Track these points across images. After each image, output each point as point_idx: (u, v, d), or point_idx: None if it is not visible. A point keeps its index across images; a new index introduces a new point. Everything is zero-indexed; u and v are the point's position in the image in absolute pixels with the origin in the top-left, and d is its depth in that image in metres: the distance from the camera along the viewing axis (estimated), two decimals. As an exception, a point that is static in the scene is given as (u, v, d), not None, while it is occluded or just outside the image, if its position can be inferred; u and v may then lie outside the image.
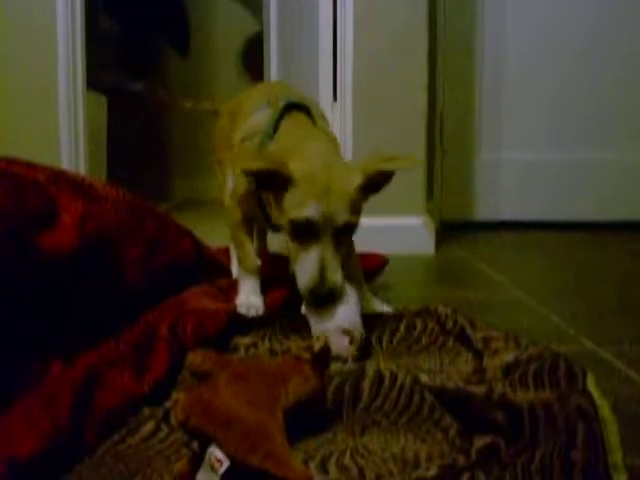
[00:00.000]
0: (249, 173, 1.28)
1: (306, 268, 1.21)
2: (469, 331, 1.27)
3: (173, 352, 1.09)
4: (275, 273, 1.56)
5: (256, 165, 1.23)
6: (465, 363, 1.17)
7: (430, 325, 1.33)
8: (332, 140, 1.46)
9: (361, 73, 2.43)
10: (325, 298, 1.21)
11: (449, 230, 2.85)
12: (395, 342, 1.28)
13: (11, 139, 2.51)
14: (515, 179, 3.09)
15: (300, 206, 1.20)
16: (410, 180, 2.42)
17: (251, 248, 1.52)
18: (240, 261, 1.52)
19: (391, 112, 2.44)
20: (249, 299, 1.45)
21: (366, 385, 0.98)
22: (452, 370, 1.13)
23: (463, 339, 1.26)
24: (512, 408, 0.87)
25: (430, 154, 2.69)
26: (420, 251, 2.41)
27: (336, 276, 1.21)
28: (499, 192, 3.09)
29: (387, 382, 0.98)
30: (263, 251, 1.90)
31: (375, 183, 1.30)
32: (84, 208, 1.10)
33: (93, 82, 2.79)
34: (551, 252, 2.61)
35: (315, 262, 1.20)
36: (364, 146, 2.41)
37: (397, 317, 1.39)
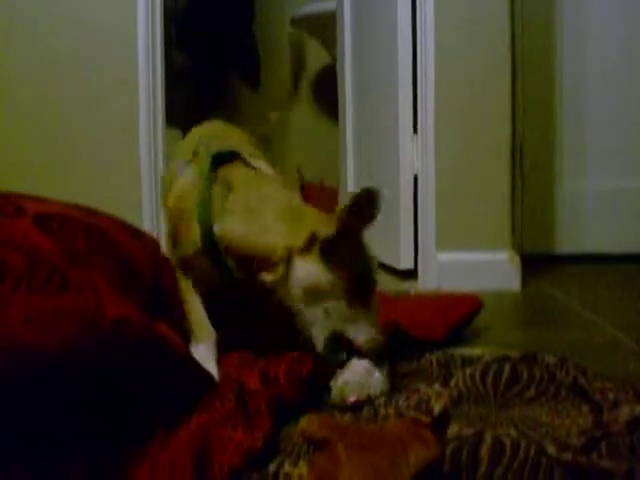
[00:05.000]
0: None
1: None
2: (582, 381, 1.19)
3: (271, 403, 1.05)
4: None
5: None
6: (582, 416, 1.08)
7: (537, 373, 1.25)
8: (284, 182, 1.42)
9: (442, 105, 2.37)
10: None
11: (531, 263, 2.73)
12: (502, 387, 1.21)
13: (93, 173, 2.57)
14: (600, 209, 2.95)
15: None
16: (495, 213, 2.34)
17: (204, 313, 1.34)
18: (192, 329, 1.31)
19: (473, 144, 2.37)
20: None
21: (485, 452, 0.90)
22: (570, 424, 1.05)
23: (577, 390, 1.18)
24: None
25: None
26: (506, 287, 2.31)
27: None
28: (583, 223, 2.97)
29: (508, 451, 0.90)
30: None
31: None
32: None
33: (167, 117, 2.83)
34: (643, 287, 2.47)
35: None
36: (447, 180, 2.35)
37: (500, 360, 1.31)
